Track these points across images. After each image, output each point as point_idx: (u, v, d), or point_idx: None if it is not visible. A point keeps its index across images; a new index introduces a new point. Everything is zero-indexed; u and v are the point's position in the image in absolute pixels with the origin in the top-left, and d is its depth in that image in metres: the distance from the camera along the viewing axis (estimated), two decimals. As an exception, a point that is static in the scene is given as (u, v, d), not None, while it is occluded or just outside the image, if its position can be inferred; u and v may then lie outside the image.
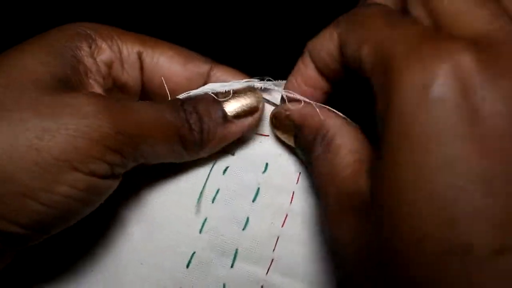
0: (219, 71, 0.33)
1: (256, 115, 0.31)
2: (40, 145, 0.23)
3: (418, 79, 0.20)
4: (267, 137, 0.33)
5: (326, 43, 0.27)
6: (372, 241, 0.22)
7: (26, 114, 0.24)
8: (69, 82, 0.27)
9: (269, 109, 0.32)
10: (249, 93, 0.31)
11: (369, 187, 0.23)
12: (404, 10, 0.24)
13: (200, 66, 0.32)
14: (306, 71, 0.29)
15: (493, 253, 0.18)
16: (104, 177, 0.26)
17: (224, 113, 0.30)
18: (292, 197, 0.32)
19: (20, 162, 0.23)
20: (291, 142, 0.31)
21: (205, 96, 0.30)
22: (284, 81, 0.32)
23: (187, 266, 0.31)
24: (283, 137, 0.31)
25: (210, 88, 0.31)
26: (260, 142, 0.33)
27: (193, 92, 0.31)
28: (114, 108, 0.26)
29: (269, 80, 0.32)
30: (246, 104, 0.31)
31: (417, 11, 0.23)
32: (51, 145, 0.24)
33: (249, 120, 0.31)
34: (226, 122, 0.30)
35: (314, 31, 0.29)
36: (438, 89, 0.19)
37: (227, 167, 0.32)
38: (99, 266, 0.32)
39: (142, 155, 0.28)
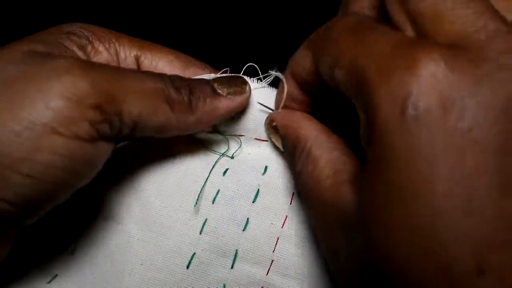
0: (218, 79, 0.32)
1: (245, 95, 0.31)
2: (16, 112, 0.23)
3: (393, 99, 0.19)
4: (265, 142, 0.33)
5: (302, 61, 0.27)
6: (361, 252, 0.22)
7: (2, 86, 0.23)
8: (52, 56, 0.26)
9: (266, 115, 0.32)
10: (236, 76, 0.31)
11: (352, 198, 0.23)
12: (384, 16, 0.23)
13: (199, 73, 0.32)
14: (289, 88, 0.29)
15: (474, 273, 0.18)
16: (89, 139, 0.25)
17: (214, 88, 0.30)
18: (292, 198, 0.32)
19: None
20: (281, 148, 0.31)
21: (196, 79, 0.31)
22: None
23: (187, 267, 0.31)
24: (277, 143, 0.32)
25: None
26: (259, 146, 0.33)
27: None
28: (89, 65, 0.25)
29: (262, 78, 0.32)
30: (234, 86, 0.30)
31: (396, 15, 0.22)
32: (29, 110, 0.23)
33: (238, 98, 0.30)
34: (215, 94, 0.30)
35: (310, 29, 0.29)
36: (414, 106, 0.19)
37: (227, 169, 0.32)
38: (101, 271, 0.32)
39: (127, 113, 0.26)
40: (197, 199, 0.32)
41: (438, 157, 0.18)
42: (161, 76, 0.28)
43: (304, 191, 0.27)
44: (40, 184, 0.23)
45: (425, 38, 0.21)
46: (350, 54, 0.22)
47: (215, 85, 0.30)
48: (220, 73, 0.32)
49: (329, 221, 0.24)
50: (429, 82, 0.19)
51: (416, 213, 0.19)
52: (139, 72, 0.28)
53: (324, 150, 0.26)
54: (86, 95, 0.24)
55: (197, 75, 0.32)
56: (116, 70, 0.26)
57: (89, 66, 0.25)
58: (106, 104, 0.25)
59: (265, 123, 0.32)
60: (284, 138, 0.30)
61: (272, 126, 0.31)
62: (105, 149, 0.26)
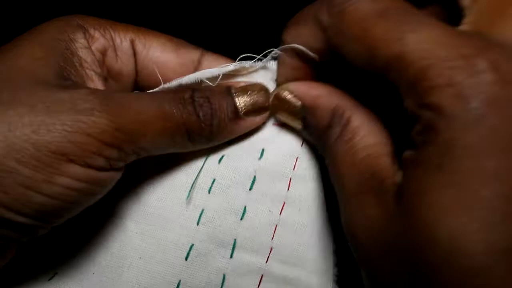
0: (209, 58, 0.33)
1: (264, 115, 0.31)
2: (36, 139, 0.24)
3: (459, 100, 0.20)
4: (263, 123, 0.32)
5: (310, 40, 0.27)
6: (394, 229, 0.22)
7: (22, 109, 0.24)
8: (65, 75, 0.28)
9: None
10: (262, 91, 0.31)
11: (394, 172, 0.23)
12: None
13: (191, 52, 0.33)
14: (290, 60, 0.29)
15: None
16: (102, 169, 0.26)
17: (236, 109, 0.30)
18: (289, 184, 0.31)
19: (19, 156, 0.23)
20: (296, 124, 0.30)
21: (218, 88, 0.30)
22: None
23: (186, 258, 0.31)
24: (288, 120, 0.31)
25: (200, 74, 0.31)
26: (258, 127, 0.32)
27: (184, 79, 0.31)
28: (111, 104, 0.26)
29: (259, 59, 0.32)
30: (257, 102, 0.31)
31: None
32: (47, 139, 0.24)
33: (257, 120, 0.31)
34: (236, 117, 0.30)
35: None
36: (479, 107, 0.20)
37: (222, 156, 0.32)
38: (100, 266, 0.31)
39: (143, 149, 0.27)
40: (190, 190, 0.31)
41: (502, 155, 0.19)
42: (185, 102, 0.28)
43: (338, 159, 0.26)
44: (59, 203, 0.25)
45: (480, 33, 0.21)
46: (396, 45, 0.22)
47: (238, 100, 0.30)
48: (237, 61, 0.32)
49: (364, 189, 0.24)
50: (490, 86, 0.20)
51: (477, 209, 0.19)
52: (164, 100, 0.28)
53: (364, 121, 0.26)
54: (106, 134, 0.25)
55: (190, 55, 0.32)
56: (139, 107, 0.27)
57: (112, 103, 0.26)
58: (125, 144, 0.26)
59: (271, 98, 0.31)
60: (313, 109, 0.29)
61: (284, 100, 0.30)
62: (116, 175, 0.28)
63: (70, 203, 0.26)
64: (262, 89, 0.31)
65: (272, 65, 0.32)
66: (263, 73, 0.32)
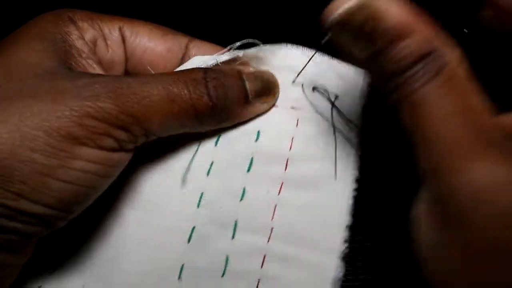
0: (197, 45, 0.34)
1: (271, 102, 0.32)
2: (47, 126, 0.24)
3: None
4: None
5: None
6: None
7: (29, 100, 0.25)
8: (67, 66, 0.28)
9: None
10: (270, 79, 0.32)
11: None
12: None
13: (178, 38, 0.33)
14: None
15: None
16: (114, 150, 0.27)
17: (246, 93, 0.31)
18: (286, 164, 0.32)
19: (32, 144, 0.24)
20: (359, 52, 0.24)
21: (230, 71, 0.31)
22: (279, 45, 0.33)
23: (188, 241, 0.31)
24: (351, 43, 0.24)
25: (198, 61, 0.32)
26: None
27: (183, 67, 0.32)
28: (116, 89, 0.26)
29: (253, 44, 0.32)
30: (266, 88, 0.31)
31: None
32: (57, 125, 0.24)
33: (264, 106, 0.32)
34: (247, 103, 0.31)
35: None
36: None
37: (218, 137, 0.32)
38: (98, 257, 0.32)
39: (152, 131, 0.28)
40: (184, 173, 0.32)
41: None
42: (197, 83, 0.28)
43: (435, 113, 0.21)
44: (76, 188, 0.26)
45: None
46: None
47: (248, 85, 0.31)
48: (229, 48, 0.33)
49: (481, 144, 0.21)
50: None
51: None
52: (172, 83, 0.28)
53: (469, 71, 0.22)
54: (112, 118, 0.26)
55: (177, 41, 0.33)
56: (145, 90, 0.27)
57: (116, 87, 0.26)
58: (132, 126, 0.27)
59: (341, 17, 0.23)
60: (404, 34, 0.22)
61: (369, 12, 0.22)
62: (128, 156, 0.28)
63: (87, 187, 0.26)
64: (271, 76, 0.32)
65: (278, 52, 0.33)
66: (270, 60, 0.33)
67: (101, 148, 0.26)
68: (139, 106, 0.27)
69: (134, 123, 0.27)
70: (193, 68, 0.31)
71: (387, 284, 0.39)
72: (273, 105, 0.32)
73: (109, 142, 0.26)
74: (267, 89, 0.32)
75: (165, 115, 0.28)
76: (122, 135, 0.26)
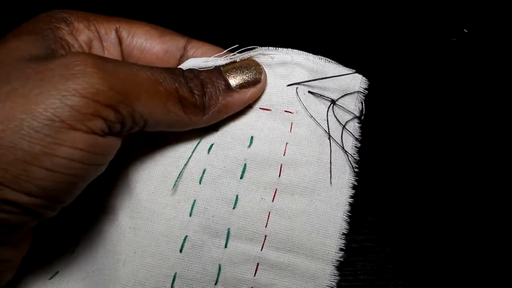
0: (195, 45, 0.33)
1: (259, 85, 0.31)
2: (32, 109, 0.23)
3: None
4: (250, 109, 0.32)
5: None
6: None
7: (15, 83, 0.24)
8: (55, 54, 0.28)
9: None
10: (252, 65, 0.31)
11: None
12: None
13: (176, 39, 0.33)
14: None
15: None
16: (102, 134, 0.26)
17: (227, 82, 0.30)
18: (280, 170, 0.31)
19: (17, 130, 0.23)
20: None
21: (206, 69, 0.31)
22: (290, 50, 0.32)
23: (181, 250, 0.30)
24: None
25: (193, 63, 0.31)
26: (244, 114, 0.32)
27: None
28: (103, 64, 0.25)
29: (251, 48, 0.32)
30: (249, 77, 0.31)
31: None
32: (44, 106, 0.23)
33: (251, 91, 0.31)
34: (229, 90, 0.30)
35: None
36: None
37: (211, 145, 0.31)
38: (98, 263, 0.31)
39: (139, 114, 0.27)
40: (176, 181, 0.31)
41: None
42: (175, 74, 0.28)
43: None
44: (62, 176, 0.24)
45: None
46: None
47: (229, 76, 0.30)
48: (227, 51, 0.32)
49: None
50: None
51: None
52: (154, 69, 0.28)
53: None
54: (102, 94, 0.24)
55: (175, 42, 0.32)
56: (131, 69, 0.26)
57: (104, 64, 0.25)
58: (121, 105, 0.25)
59: None
60: None
61: None
62: (116, 142, 0.27)
63: (73, 176, 0.25)
64: (252, 62, 0.31)
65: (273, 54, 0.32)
66: (265, 64, 0.32)
67: (89, 131, 0.25)
68: (126, 83, 0.26)
69: (122, 100, 0.25)
70: (172, 67, 0.30)
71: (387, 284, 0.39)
72: (262, 87, 0.31)
73: (98, 123, 0.25)
74: (247, 69, 0.31)
75: (151, 95, 0.27)
76: (110, 114, 0.25)
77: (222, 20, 0.44)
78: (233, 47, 0.31)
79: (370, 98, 0.47)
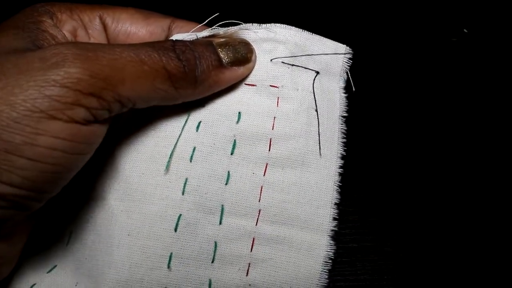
0: (179, 25, 0.33)
1: (249, 65, 0.31)
2: (12, 100, 0.23)
3: None
4: (236, 85, 0.32)
5: None
6: None
7: None
8: (37, 46, 0.27)
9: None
10: (243, 43, 0.31)
11: None
12: None
13: (161, 20, 0.33)
14: None
15: None
16: (84, 122, 0.25)
17: (219, 58, 0.30)
18: (270, 144, 0.31)
19: None
20: None
21: (199, 40, 0.30)
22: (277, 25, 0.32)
23: (175, 229, 0.30)
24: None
25: (178, 38, 0.31)
26: (230, 90, 0.32)
27: None
28: (83, 52, 0.25)
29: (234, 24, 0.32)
30: (241, 55, 0.31)
31: None
32: (23, 97, 0.23)
33: (241, 70, 0.31)
34: (220, 66, 0.30)
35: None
36: None
37: (199, 123, 0.31)
38: (90, 250, 0.31)
39: (125, 97, 0.27)
40: (168, 161, 0.31)
41: None
42: (164, 49, 0.28)
43: None
44: (45, 166, 0.24)
45: None
46: None
47: (220, 52, 0.30)
48: (212, 28, 0.32)
49: None
50: None
51: None
52: (139, 48, 0.27)
53: None
54: (83, 83, 0.24)
55: (160, 23, 0.32)
56: (113, 53, 0.26)
57: (84, 52, 0.25)
58: (104, 91, 0.25)
59: None
60: None
61: None
62: (102, 129, 0.27)
63: (57, 165, 0.25)
64: (243, 41, 0.31)
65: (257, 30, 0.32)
66: (249, 38, 0.32)
67: (71, 120, 0.24)
68: (108, 68, 0.25)
69: (105, 87, 0.25)
70: (162, 40, 0.30)
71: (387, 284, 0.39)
72: (252, 67, 0.32)
73: (80, 113, 0.25)
74: (240, 47, 0.31)
75: (136, 76, 0.26)
76: (93, 102, 0.25)
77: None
78: (213, 16, 0.32)
79: (370, 98, 0.48)
